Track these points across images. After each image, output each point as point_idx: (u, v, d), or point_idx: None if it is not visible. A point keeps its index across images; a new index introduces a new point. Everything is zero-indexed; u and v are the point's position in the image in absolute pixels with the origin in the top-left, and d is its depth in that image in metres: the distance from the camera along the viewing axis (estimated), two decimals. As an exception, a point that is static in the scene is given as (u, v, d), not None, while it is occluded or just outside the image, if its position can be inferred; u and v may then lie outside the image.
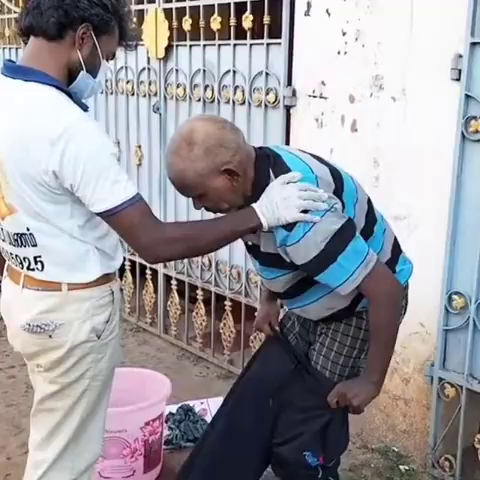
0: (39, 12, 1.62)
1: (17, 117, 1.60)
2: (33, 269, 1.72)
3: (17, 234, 1.70)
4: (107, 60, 1.73)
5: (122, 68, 4.03)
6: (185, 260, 3.77)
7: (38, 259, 1.71)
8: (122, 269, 4.31)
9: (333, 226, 1.68)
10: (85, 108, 1.69)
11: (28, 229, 1.68)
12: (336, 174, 1.80)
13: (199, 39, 3.47)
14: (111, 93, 4.14)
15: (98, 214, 1.62)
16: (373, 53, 2.68)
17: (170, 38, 3.63)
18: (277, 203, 1.69)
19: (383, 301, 1.77)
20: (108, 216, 1.61)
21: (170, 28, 3.61)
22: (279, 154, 1.81)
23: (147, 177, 3.98)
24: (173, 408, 3.07)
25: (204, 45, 3.46)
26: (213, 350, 3.70)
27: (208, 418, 3.05)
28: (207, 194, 1.75)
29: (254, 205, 1.73)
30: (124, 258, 4.21)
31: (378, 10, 2.64)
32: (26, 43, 1.69)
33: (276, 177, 1.74)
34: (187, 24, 3.50)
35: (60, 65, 1.65)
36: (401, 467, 2.75)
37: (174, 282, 3.90)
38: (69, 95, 1.64)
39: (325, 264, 1.70)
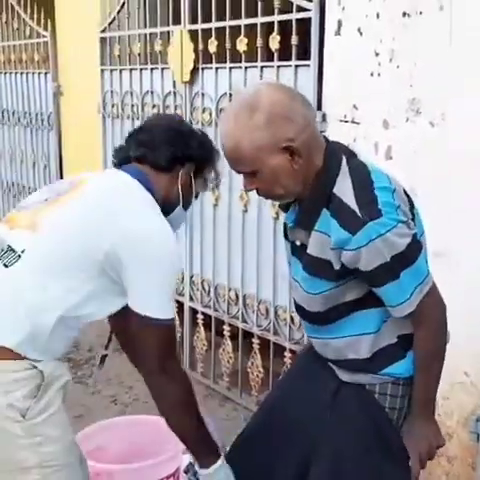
0: (153, 146, 1.70)
1: (110, 190, 1.66)
2: None
3: (9, 246, 1.59)
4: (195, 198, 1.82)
5: (148, 92, 3.88)
6: (211, 293, 3.59)
7: None
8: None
9: (403, 240, 1.49)
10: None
11: (23, 251, 1.57)
12: (409, 197, 1.61)
13: (225, 61, 3.30)
14: (137, 118, 3.99)
15: (135, 313, 1.57)
16: (409, 74, 2.46)
17: (196, 61, 3.46)
18: None
19: (435, 327, 1.58)
20: (142, 321, 1.57)
21: (195, 50, 3.44)
22: (356, 153, 1.62)
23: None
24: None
25: (230, 67, 3.28)
26: (240, 390, 3.49)
27: (232, 468, 2.83)
28: (261, 172, 1.52)
29: (217, 465, 1.73)
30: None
31: (414, 27, 2.42)
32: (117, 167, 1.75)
33: (351, 174, 1.53)
34: (213, 46, 3.33)
35: (160, 195, 1.69)
36: None
37: (200, 316, 3.70)
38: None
39: (386, 278, 1.51)
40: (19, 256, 1.57)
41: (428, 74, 2.40)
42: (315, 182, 1.55)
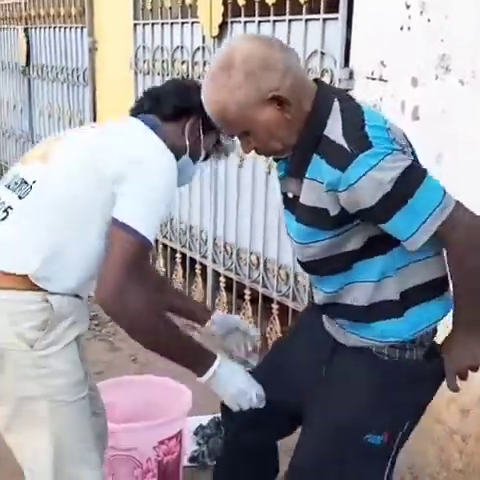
0: (160, 98, 1.74)
1: (115, 124, 1.74)
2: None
3: (22, 179, 1.62)
4: (204, 159, 1.82)
5: (178, 48, 3.78)
6: (233, 257, 3.52)
7: (8, 209, 1.59)
8: (173, 262, 4.10)
9: (401, 163, 1.36)
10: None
11: (34, 182, 1.59)
12: (411, 147, 1.51)
13: (254, 15, 3.16)
14: (167, 74, 3.90)
15: (114, 220, 1.54)
16: (440, 28, 2.28)
17: (224, 14, 3.33)
18: (227, 388, 1.65)
19: (465, 250, 1.42)
20: (118, 228, 1.52)
21: (224, 3, 3.31)
22: (351, 96, 1.54)
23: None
24: (205, 419, 2.82)
25: (259, 21, 3.14)
26: (259, 355, 3.41)
27: (242, 434, 2.78)
28: (254, 130, 1.45)
29: (216, 366, 1.62)
30: (175, 250, 4.02)
31: (447, -22, 2.24)
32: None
33: (342, 115, 1.42)
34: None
35: (169, 144, 1.66)
36: (454, 511, 2.39)
37: (222, 279, 3.64)
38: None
39: (393, 209, 1.37)
40: (31, 187, 1.59)
41: (459, 28, 2.22)
42: (305, 126, 1.45)
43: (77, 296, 1.63)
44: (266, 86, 1.39)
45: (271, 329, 3.30)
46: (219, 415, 2.82)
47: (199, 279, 3.84)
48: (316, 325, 1.71)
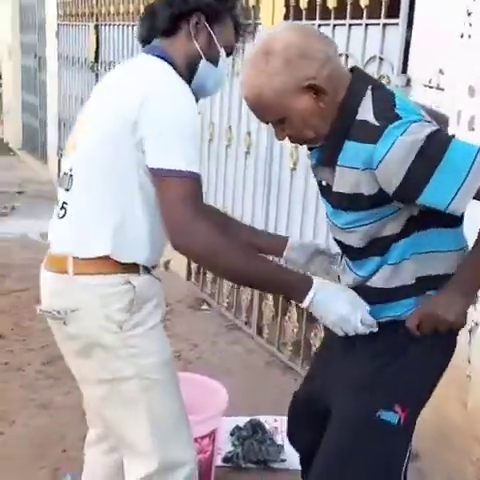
0: (154, 14, 1.67)
1: (123, 69, 1.68)
2: (60, 216, 1.65)
3: (64, 173, 1.67)
4: (228, 54, 1.71)
5: (240, 49, 3.78)
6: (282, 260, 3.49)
7: (64, 205, 1.65)
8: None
9: (428, 128, 1.38)
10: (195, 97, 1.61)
11: (71, 169, 1.63)
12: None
13: (315, 18, 3.14)
14: (227, 75, 3.90)
15: (151, 170, 1.52)
16: (501, 37, 2.22)
17: (286, 16, 3.33)
18: (328, 316, 1.53)
19: None
20: (159, 176, 1.50)
21: (287, 5, 3.31)
22: (384, 85, 1.59)
23: (253, 167, 3.74)
24: (242, 421, 2.82)
25: (319, 25, 3.11)
26: (302, 361, 3.39)
27: (278, 438, 2.77)
28: (289, 118, 1.48)
29: (312, 293, 1.51)
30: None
31: (512, -15, 2.18)
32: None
33: (374, 99, 1.44)
34: (304, 1, 3.18)
35: (181, 58, 1.64)
36: None
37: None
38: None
39: (426, 173, 1.36)
40: (71, 176, 1.63)
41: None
42: (338, 114, 1.48)
43: (157, 278, 1.68)
44: (303, 74, 1.43)
45: (315, 334, 3.26)
46: (257, 418, 2.84)
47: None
48: None
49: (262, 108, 1.48)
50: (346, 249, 1.62)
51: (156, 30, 1.67)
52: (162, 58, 1.61)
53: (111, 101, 1.59)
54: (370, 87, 1.48)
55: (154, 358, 1.66)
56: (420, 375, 1.60)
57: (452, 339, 1.63)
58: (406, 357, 1.57)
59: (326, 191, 1.57)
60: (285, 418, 2.88)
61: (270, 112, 1.48)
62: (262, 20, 3.51)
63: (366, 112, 1.44)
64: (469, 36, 2.34)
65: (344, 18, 2.96)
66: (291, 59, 1.42)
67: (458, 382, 2.46)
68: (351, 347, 1.62)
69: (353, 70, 1.54)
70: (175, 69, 1.61)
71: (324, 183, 1.57)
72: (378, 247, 1.53)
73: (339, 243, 1.64)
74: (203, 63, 1.65)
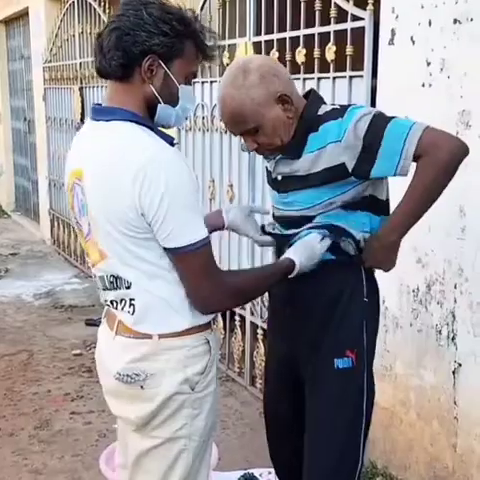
0: (102, 55, 1.57)
1: (99, 157, 1.57)
2: (127, 311, 1.62)
3: (113, 276, 1.62)
4: (188, 83, 1.64)
5: (216, 105, 3.88)
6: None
7: (132, 302, 1.61)
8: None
9: (377, 110, 1.79)
10: (170, 141, 1.60)
11: (118, 273, 1.61)
12: None
13: (286, 73, 3.24)
14: (207, 130, 4.02)
15: (166, 249, 1.54)
16: (459, 85, 2.30)
17: (259, 73, 3.43)
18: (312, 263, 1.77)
19: (439, 161, 1.70)
20: (176, 254, 1.54)
21: (258, 62, 3.41)
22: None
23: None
24: (235, 476, 2.80)
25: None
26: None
27: (272, 491, 2.75)
28: (262, 126, 1.75)
29: (295, 260, 1.74)
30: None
31: (465, 36, 2.26)
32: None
33: (332, 106, 1.81)
34: (274, 57, 3.28)
35: (138, 103, 1.59)
36: None
37: (260, 331, 3.64)
38: (152, 129, 1.58)
39: (380, 132, 1.69)
40: (116, 277, 1.62)
41: (478, 84, 2.23)
42: (300, 119, 1.79)
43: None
44: (275, 88, 1.72)
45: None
46: (251, 472, 2.83)
47: (238, 330, 3.86)
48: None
49: (241, 118, 1.73)
50: (290, 225, 1.88)
51: (108, 74, 1.59)
52: (128, 120, 1.56)
53: (109, 199, 1.54)
54: (323, 103, 1.84)
55: (208, 420, 1.66)
56: (358, 320, 1.85)
57: (375, 283, 1.92)
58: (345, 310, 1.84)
59: (283, 183, 1.85)
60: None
61: (248, 121, 1.74)
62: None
63: (325, 108, 1.80)
64: (430, 85, 2.43)
65: (313, 72, 3.06)
66: (265, 75, 1.71)
67: (446, 424, 2.47)
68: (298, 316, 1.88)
69: (310, 91, 1.88)
70: (144, 121, 1.57)
71: (280, 177, 1.85)
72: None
73: (283, 222, 1.90)
74: (161, 107, 1.59)
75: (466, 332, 2.35)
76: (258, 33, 3.44)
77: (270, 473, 2.87)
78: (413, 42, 2.48)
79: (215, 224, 1.97)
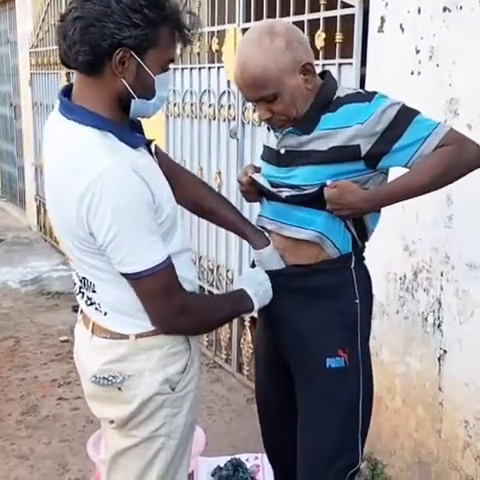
0: (67, 46, 1.42)
1: (55, 158, 1.51)
2: (99, 311, 1.58)
3: (82, 276, 1.59)
4: (164, 70, 1.49)
5: (205, 91, 3.88)
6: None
7: (100, 305, 1.58)
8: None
9: (401, 102, 1.76)
10: (142, 143, 1.52)
11: (85, 276, 1.58)
12: None
13: (275, 60, 3.23)
14: (196, 117, 4.00)
15: (122, 274, 1.47)
16: (448, 73, 2.30)
17: (248, 59, 3.42)
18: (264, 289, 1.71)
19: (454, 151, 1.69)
20: (130, 279, 1.47)
21: (247, 49, 3.40)
22: None
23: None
24: (222, 461, 2.82)
25: (279, 66, 3.21)
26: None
27: (259, 477, 2.77)
28: (281, 94, 1.67)
29: (249, 292, 1.68)
30: (203, 289, 4.06)
31: (455, 24, 2.26)
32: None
33: (350, 95, 1.74)
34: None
35: (107, 99, 1.46)
36: None
37: (247, 318, 3.65)
38: (117, 134, 1.46)
39: (406, 120, 1.69)
40: (84, 278, 1.60)
41: (467, 73, 2.24)
42: (316, 96, 1.73)
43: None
44: (300, 57, 1.65)
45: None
46: (238, 457, 2.85)
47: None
48: None
49: (262, 82, 1.63)
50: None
51: (73, 66, 1.45)
52: (87, 124, 1.43)
53: (61, 209, 1.49)
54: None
55: (186, 419, 1.63)
56: (349, 320, 1.81)
57: (367, 284, 1.88)
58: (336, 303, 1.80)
59: (285, 157, 1.77)
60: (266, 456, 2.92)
61: (268, 87, 1.64)
62: (225, 64, 3.60)
63: (345, 91, 1.75)
64: (419, 73, 2.43)
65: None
66: (292, 41, 1.64)
67: (431, 410, 2.50)
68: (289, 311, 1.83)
69: (326, 72, 1.81)
70: (106, 124, 1.44)
71: (283, 151, 1.77)
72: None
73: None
74: (135, 102, 1.48)
75: (452, 319, 2.37)
76: (247, 19, 3.42)
77: (257, 458, 2.90)
78: (402, 30, 2.48)
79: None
